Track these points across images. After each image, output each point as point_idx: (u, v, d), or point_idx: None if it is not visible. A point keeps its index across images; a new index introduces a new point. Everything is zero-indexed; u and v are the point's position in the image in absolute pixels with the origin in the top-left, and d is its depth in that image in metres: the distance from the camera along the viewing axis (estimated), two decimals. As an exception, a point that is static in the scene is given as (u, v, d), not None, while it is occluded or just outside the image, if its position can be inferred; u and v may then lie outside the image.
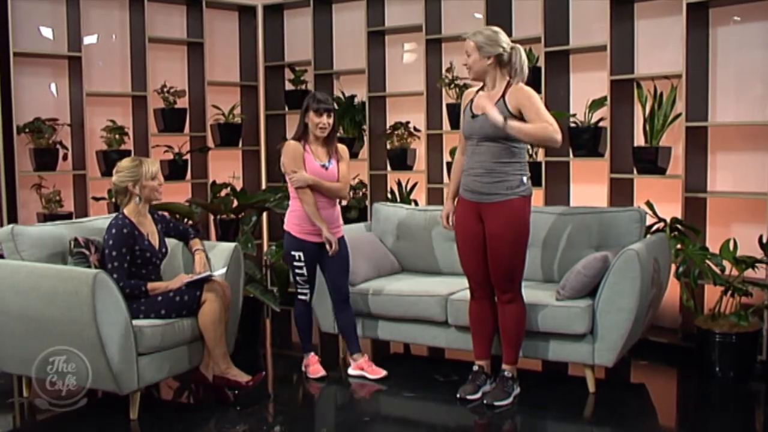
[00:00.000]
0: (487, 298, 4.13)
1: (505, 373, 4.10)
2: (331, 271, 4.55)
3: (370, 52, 6.26)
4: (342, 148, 4.60)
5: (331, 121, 4.44)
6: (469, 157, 4.03)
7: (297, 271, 4.51)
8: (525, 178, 3.97)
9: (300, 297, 4.58)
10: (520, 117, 3.85)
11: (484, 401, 4.03)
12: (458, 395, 4.09)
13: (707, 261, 4.54)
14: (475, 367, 4.19)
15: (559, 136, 3.81)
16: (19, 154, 5.63)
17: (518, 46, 3.97)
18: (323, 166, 4.45)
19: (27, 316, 3.87)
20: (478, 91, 4.08)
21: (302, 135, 4.49)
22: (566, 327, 4.15)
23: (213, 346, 4.09)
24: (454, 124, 5.93)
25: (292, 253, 4.49)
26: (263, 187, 6.81)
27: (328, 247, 4.41)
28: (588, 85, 5.40)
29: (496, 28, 4.02)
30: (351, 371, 4.60)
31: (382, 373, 4.54)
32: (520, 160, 3.96)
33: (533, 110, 3.83)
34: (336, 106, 4.54)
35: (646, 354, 4.84)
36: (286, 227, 4.53)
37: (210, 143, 6.58)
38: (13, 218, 5.54)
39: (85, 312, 3.63)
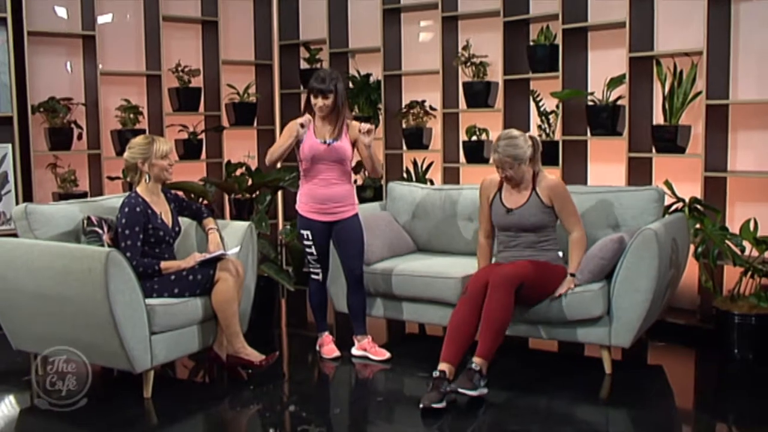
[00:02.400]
0: (483, 296, 3.93)
1: (473, 365, 3.79)
2: (344, 252, 4.51)
3: (386, 30, 6.19)
4: (355, 127, 4.47)
5: (328, 102, 4.34)
6: (506, 244, 4.22)
7: (307, 250, 4.49)
8: (560, 253, 4.22)
9: (313, 277, 4.56)
10: (551, 207, 4.11)
11: (448, 388, 3.73)
12: (422, 405, 3.69)
13: (727, 241, 4.47)
14: (437, 373, 3.79)
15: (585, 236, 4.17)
16: (34, 133, 5.64)
17: (532, 135, 4.16)
18: (324, 142, 4.38)
19: (41, 294, 3.88)
20: (501, 183, 4.19)
21: (309, 111, 4.43)
22: (583, 313, 4.08)
23: (226, 325, 4.08)
24: (471, 103, 5.88)
25: (302, 232, 4.47)
26: (278, 166, 6.77)
27: (305, 122, 4.30)
28: (606, 63, 5.32)
29: (510, 132, 4.15)
30: (354, 351, 4.59)
31: (386, 354, 4.52)
32: (555, 238, 4.19)
33: (566, 211, 4.13)
34: (335, 87, 4.34)
35: (663, 335, 4.79)
36: (296, 207, 4.51)
37: (225, 122, 6.55)
38: (28, 197, 5.54)
39: (98, 290, 3.62)
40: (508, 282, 3.90)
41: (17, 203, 5.43)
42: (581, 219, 4.18)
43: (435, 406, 3.68)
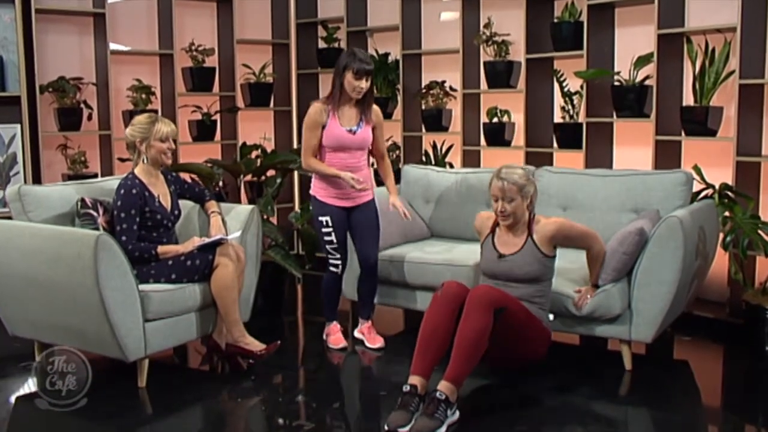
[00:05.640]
0: (459, 302, 3.49)
1: (437, 394, 3.28)
2: (361, 239, 4.31)
3: (405, 8, 5.98)
4: (376, 112, 4.31)
5: (369, 84, 4.15)
6: None
7: (326, 238, 4.25)
8: (551, 316, 3.84)
9: (332, 269, 4.30)
10: (550, 253, 3.70)
11: (407, 428, 3.24)
12: (386, 427, 3.26)
13: (759, 230, 4.21)
14: (407, 387, 3.36)
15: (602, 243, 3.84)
16: (43, 114, 5.52)
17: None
18: (350, 131, 4.18)
19: (33, 279, 3.76)
20: (495, 224, 3.81)
21: (332, 95, 4.20)
22: (601, 312, 3.85)
23: (225, 312, 3.93)
24: (492, 83, 5.67)
25: (320, 218, 4.25)
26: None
27: (355, 184, 4.12)
28: (634, 41, 5.06)
29: (513, 164, 3.79)
30: (356, 333, 4.51)
31: (380, 342, 4.38)
32: (547, 298, 3.78)
33: (579, 241, 3.79)
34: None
35: (689, 329, 4.56)
36: (311, 191, 4.31)
37: (240, 103, 6.39)
38: (37, 179, 5.44)
39: (88, 276, 3.48)
40: (487, 301, 3.40)
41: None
42: (597, 232, 3.81)
43: (401, 430, 3.23)
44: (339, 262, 4.28)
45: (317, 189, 4.28)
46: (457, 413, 3.36)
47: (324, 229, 4.25)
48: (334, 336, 4.45)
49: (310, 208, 4.38)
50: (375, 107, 4.31)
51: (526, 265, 3.66)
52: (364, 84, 4.12)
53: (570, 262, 4.08)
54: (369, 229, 4.32)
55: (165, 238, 4.03)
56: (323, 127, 4.18)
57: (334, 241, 4.25)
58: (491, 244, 3.78)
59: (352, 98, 4.17)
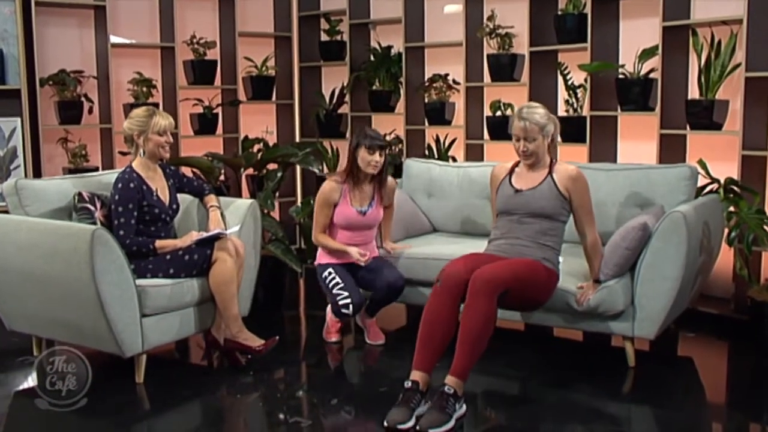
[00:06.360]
0: (460, 291, 3.44)
1: (446, 388, 3.25)
2: (379, 280, 4.23)
3: (408, 0, 5.93)
4: (391, 186, 4.36)
5: (383, 159, 4.18)
6: (504, 231, 3.77)
7: (331, 284, 4.20)
8: (561, 259, 3.80)
9: (343, 310, 4.15)
10: (565, 198, 3.70)
11: (417, 428, 3.19)
12: (386, 423, 3.21)
13: (764, 226, 4.15)
14: (408, 383, 3.31)
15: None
16: (44, 107, 5.49)
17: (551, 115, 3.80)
18: (360, 212, 4.22)
19: (29, 273, 3.72)
20: (513, 168, 3.84)
21: (349, 174, 4.22)
22: (605, 308, 3.78)
23: (224, 307, 3.89)
24: (495, 77, 5.61)
25: (324, 275, 4.25)
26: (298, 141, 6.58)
27: (361, 259, 4.17)
28: (638, 33, 5.00)
29: (533, 103, 3.86)
30: (357, 319, 4.47)
31: (381, 339, 4.36)
32: (559, 240, 3.76)
33: (584, 209, 3.72)
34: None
35: (694, 325, 4.50)
36: (317, 262, 4.33)
37: (242, 96, 6.35)
38: (37, 173, 5.43)
39: (84, 270, 3.44)
40: (490, 288, 3.33)
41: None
42: (595, 219, 3.78)
43: (400, 427, 3.18)
44: (348, 300, 4.15)
45: (322, 257, 4.32)
46: (464, 407, 3.33)
47: (328, 278, 4.23)
48: (334, 331, 4.42)
49: (317, 275, 4.35)
50: (391, 183, 4.36)
51: (542, 200, 3.68)
52: (378, 158, 4.15)
53: (572, 256, 4.03)
54: (380, 264, 4.29)
55: (163, 232, 3.99)
56: (335, 205, 4.23)
57: (339, 282, 4.20)
58: (508, 182, 3.81)
59: (368, 175, 4.19)
